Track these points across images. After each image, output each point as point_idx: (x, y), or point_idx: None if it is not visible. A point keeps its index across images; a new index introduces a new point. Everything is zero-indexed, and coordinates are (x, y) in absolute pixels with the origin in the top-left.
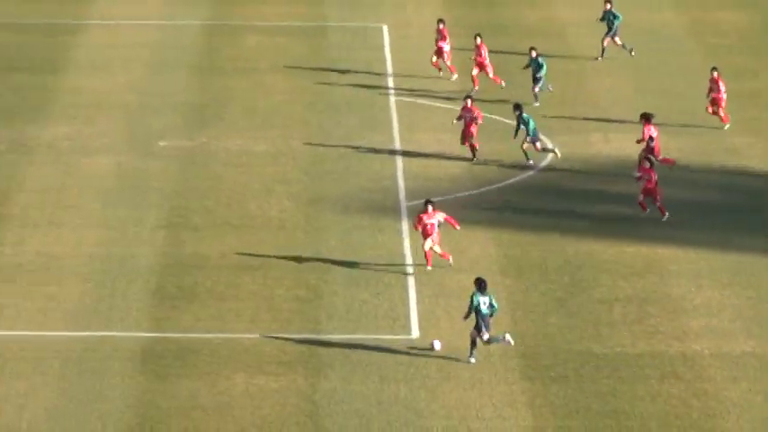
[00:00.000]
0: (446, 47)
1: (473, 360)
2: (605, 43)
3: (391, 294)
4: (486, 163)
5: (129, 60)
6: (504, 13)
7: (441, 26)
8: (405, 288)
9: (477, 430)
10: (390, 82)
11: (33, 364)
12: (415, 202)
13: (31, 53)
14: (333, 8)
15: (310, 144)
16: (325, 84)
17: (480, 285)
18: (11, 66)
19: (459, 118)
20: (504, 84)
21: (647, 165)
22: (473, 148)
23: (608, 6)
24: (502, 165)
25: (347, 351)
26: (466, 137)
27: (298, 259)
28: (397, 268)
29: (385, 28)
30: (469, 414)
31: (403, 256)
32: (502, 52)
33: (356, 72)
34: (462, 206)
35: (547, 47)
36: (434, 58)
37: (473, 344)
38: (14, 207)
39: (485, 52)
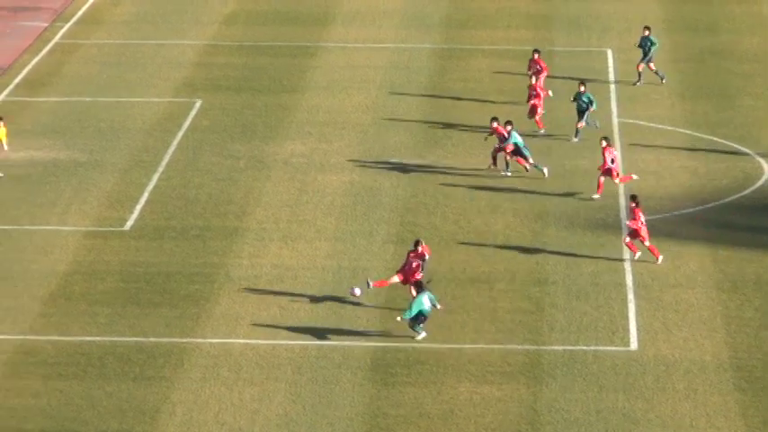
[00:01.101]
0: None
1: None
2: (640, 68)
3: (611, 307)
4: (706, 181)
5: (363, 81)
6: (723, 39)
7: (535, 56)
8: (624, 302)
9: None
10: (614, 104)
11: (267, 371)
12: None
13: (272, 74)
14: (560, 33)
15: (534, 162)
16: (550, 104)
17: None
18: (251, 86)
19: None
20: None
21: (633, 204)
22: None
23: (646, 32)
24: (718, 184)
25: (568, 361)
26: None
27: (521, 273)
28: (617, 283)
29: (609, 52)
30: (684, 424)
31: (623, 271)
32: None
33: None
34: (681, 223)
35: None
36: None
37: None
38: (252, 221)
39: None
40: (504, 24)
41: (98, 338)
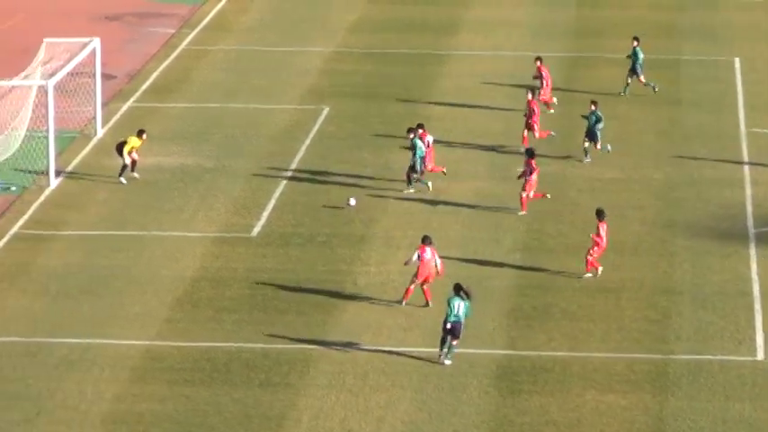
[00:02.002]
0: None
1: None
2: (629, 80)
3: (737, 317)
4: None
5: (490, 89)
6: None
7: (538, 63)
8: (751, 311)
9: None
10: (741, 113)
11: (393, 378)
12: (764, 229)
13: (399, 81)
14: (689, 42)
15: (662, 171)
16: (677, 114)
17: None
18: (378, 93)
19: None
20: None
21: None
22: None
23: (635, 44)
24: None
25: (693, 370)
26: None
27: (648, 282)
28: (744, 292)
29: (737, 61)
30: None
31: (750, 280)
32: None
33: (708, 103)
34: None
35: None
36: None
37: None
38: (379, 228)
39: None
40: (631, 33)
41: (224, 344)
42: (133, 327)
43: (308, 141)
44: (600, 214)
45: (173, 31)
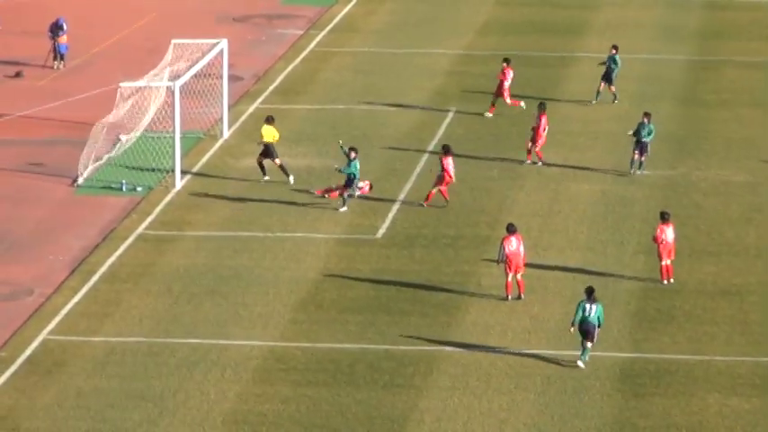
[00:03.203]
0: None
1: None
2: (601, 87)
3: None
4: None
5: (619, 90)
6: None
7: (504, 65)
8: None
9: None
10: None
11: (516, 380)
12: None
13: (526, 83)
14: None
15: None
16: None
17: (589, 293)
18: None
19: None
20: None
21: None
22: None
23: (613, 51)
24: None
25: None
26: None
27: None
28: None
29: None
30: None
31: None
32: None
33: None
34: None
35: None
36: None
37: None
38: (503, 230)
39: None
40: (757, 35)
41: (348, 346)
42: (256, 327)
43: (434, 143)
44: (663, 216)
45: (300, 32)
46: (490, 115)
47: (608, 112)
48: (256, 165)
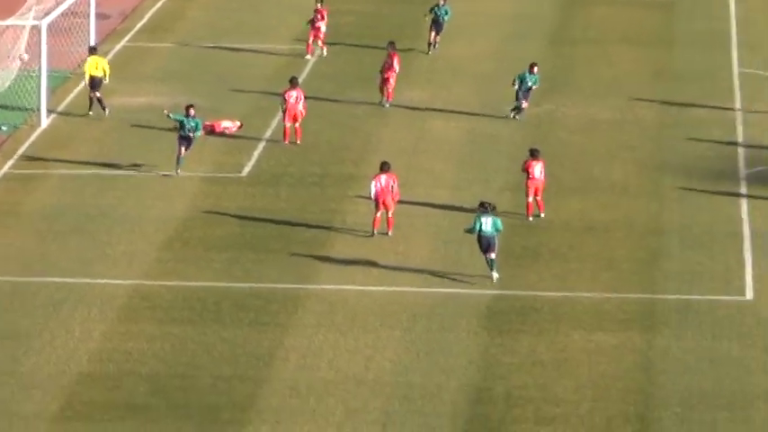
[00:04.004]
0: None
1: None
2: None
3: (727, 257)
4: None
5: (487, 29)
6: None
7: (318, 6)
8: (740, 251)
9: None
10: (734, 53)
11: (382, 318)
12: (755, 170)
13: (392, 21)
14: None
15: (654, 112)
16: (669, 54)
17: (484, 208)
18: (370, 33)
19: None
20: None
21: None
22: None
23: (441, 2)
24: None
25: (682, 310)
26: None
27: (638, 222)
28: (734, 232)
29: (732, 0)
30: None
31: (740, 220)
32: None
33: (701, 43)
34: None
35: None
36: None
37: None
38: (369, 168)
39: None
40: None
41: (214, 284)
42: (121, 266)
43: (300, 82)
44: (532, 153)
45: None
46: (309, 57)
47: (476, 49)
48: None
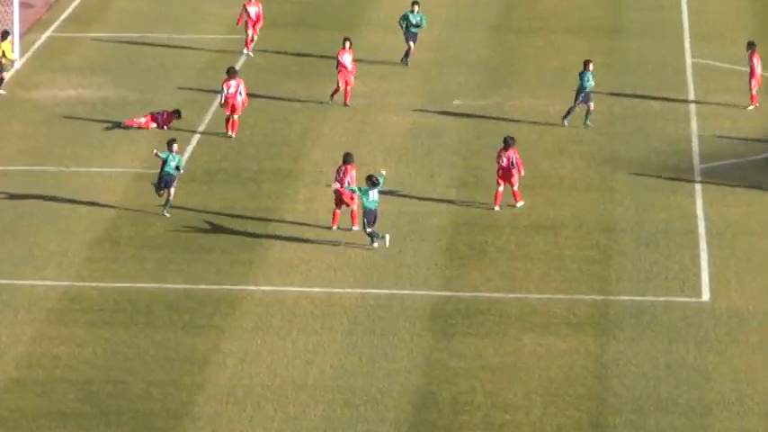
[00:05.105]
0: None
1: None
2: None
3: (682, 256)
4: None
5: (429, 18)
6: None
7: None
8: (696, 250)
9: (767, 392)
10: (687, 43)
11: (322, 320)
12: (710, 165)
13: (329, 10)
14: None
15: (604, 104)
16: (619, 44)
17: (371, 182)
18: (308, 22)
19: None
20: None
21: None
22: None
23: (415, 9)
24: None
25: (636, 312)
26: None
27: (589, 219)
28: (689, 230)
29: None
30: (757, 377)
31: (695, 217)
32: None
33: (652, 33)
34: (757, 168)
35: None
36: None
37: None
38: (308, 163)
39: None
40: None
41: (146, 285)
42: (50, 267)
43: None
44: (505, 141)
45: None
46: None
47: (418, 38)
48: None
